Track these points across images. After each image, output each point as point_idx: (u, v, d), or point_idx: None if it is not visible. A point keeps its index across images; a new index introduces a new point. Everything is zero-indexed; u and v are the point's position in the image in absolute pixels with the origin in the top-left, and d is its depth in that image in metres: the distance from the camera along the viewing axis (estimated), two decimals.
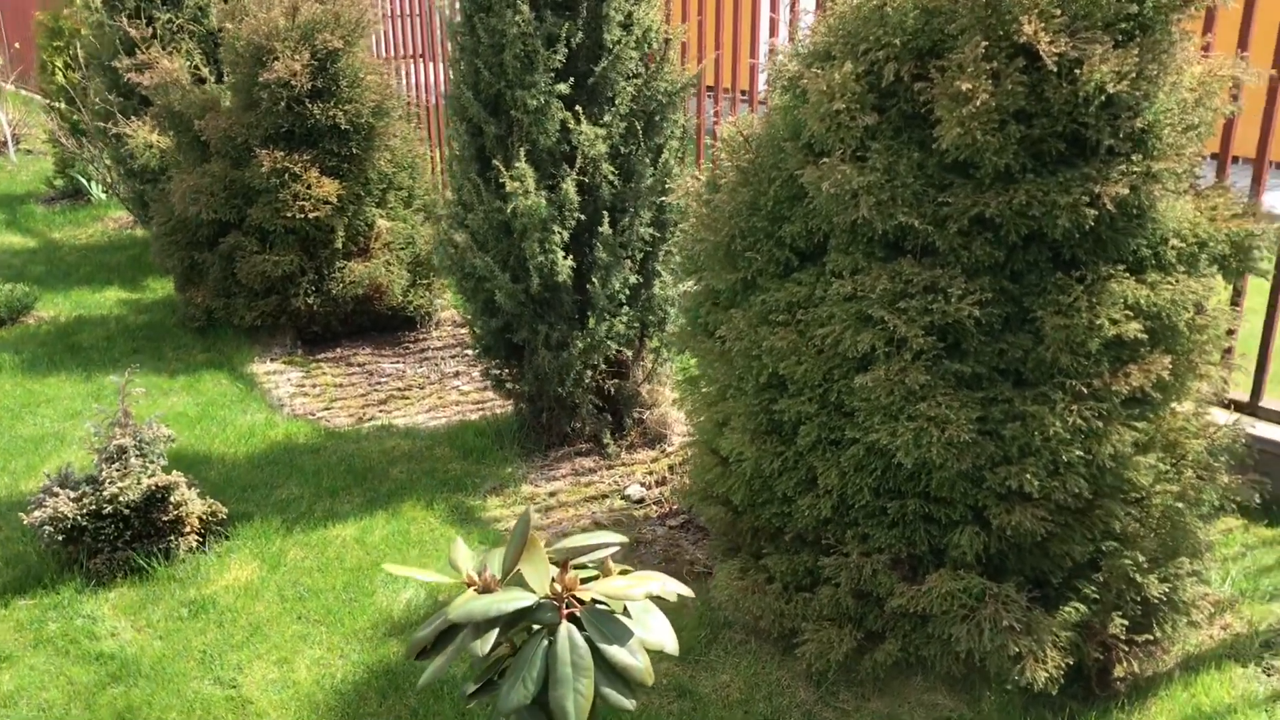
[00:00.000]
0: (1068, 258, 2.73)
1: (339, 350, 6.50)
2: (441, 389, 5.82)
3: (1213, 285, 2.82)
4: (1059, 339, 2.66)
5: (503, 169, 4.16)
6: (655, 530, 4.11)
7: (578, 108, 4.24)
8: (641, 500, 4.38)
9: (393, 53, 8.60)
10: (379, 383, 5.99)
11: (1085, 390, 2.67)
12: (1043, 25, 2.53)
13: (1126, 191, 2.56)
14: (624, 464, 4.72)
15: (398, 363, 6.31)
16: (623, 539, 2.23)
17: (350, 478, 4.64)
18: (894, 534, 2.91)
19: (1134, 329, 2.62)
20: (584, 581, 2.05)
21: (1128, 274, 2.70)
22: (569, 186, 4.21)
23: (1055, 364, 2.70)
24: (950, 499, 2.82)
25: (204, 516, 4.07)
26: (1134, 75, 2.51)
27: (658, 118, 4.55)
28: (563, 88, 4.19)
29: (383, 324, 6.74)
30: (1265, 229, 2.74)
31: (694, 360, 3.51)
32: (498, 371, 4.81)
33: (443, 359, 6.28)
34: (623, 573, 2.13)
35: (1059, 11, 2.51)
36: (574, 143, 4.30)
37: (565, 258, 4.30)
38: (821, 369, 2.88)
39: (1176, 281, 2.71)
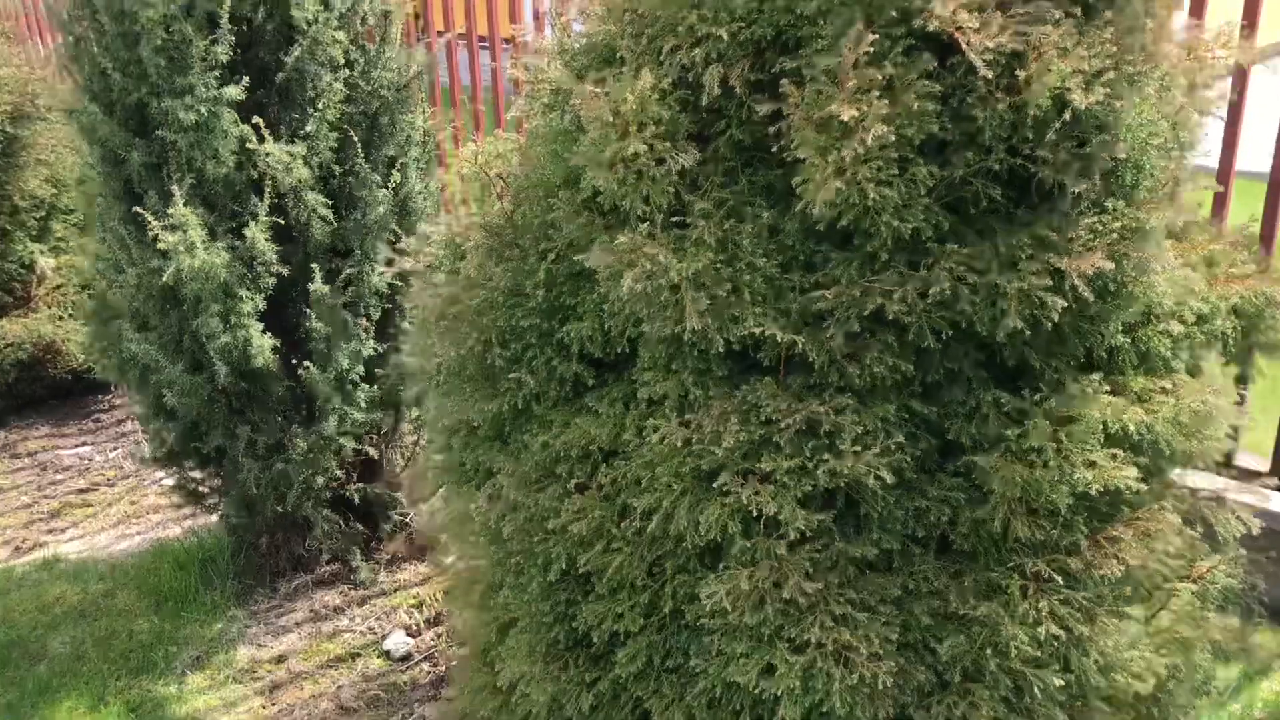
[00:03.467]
0: (1011, 363, 1.80)
1: (3, 433, 5.11)
2: (137, 486, 4.55)
3: (1214, 375, 1.96)
4: (1011, 496, 1.74)
5: (150, 216, 2.95)
6: (426, 713, 3.05)
7: (257, 120, 3.06)
8: (408, 657, 3.31)
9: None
10: (54, 481, 4.67)
11: (1056, 574, 1.76)
12: (961, 0, 1.57)
13: (1109, 264, 1.64)
14: (384, 592, 3.63)
15: (83, 445, 4.99)
16: None
17: None
18: None
19: (1127, 477, 1.72)
20: None
21: (1103, 382, 1.79)
22: (256, 232, 3.04)
23: (1008, 533, 1.78)
24: None
25: None
26: (1111, 75, 1.58)
27: (385, 120, 3.43)
28: (234, 91, 3.01)
29: (65, 390, 5.37)
30: None
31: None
32: (192, 483, 3.62)
33: (144, 436, 4.97)
34: None
35: None
36: (263, 168, 3.12)
37: (264, 333, 3.14)
38: (644, 561, 1.88)
39: (1174, 386, 1.83)
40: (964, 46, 1.56)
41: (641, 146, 1.69)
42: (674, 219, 1.79)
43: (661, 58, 1.76)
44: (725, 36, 1.71)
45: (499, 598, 2.12)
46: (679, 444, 1.80)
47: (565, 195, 1.96)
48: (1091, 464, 1.73)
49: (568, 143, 1.91)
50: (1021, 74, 1.59)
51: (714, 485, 1.79)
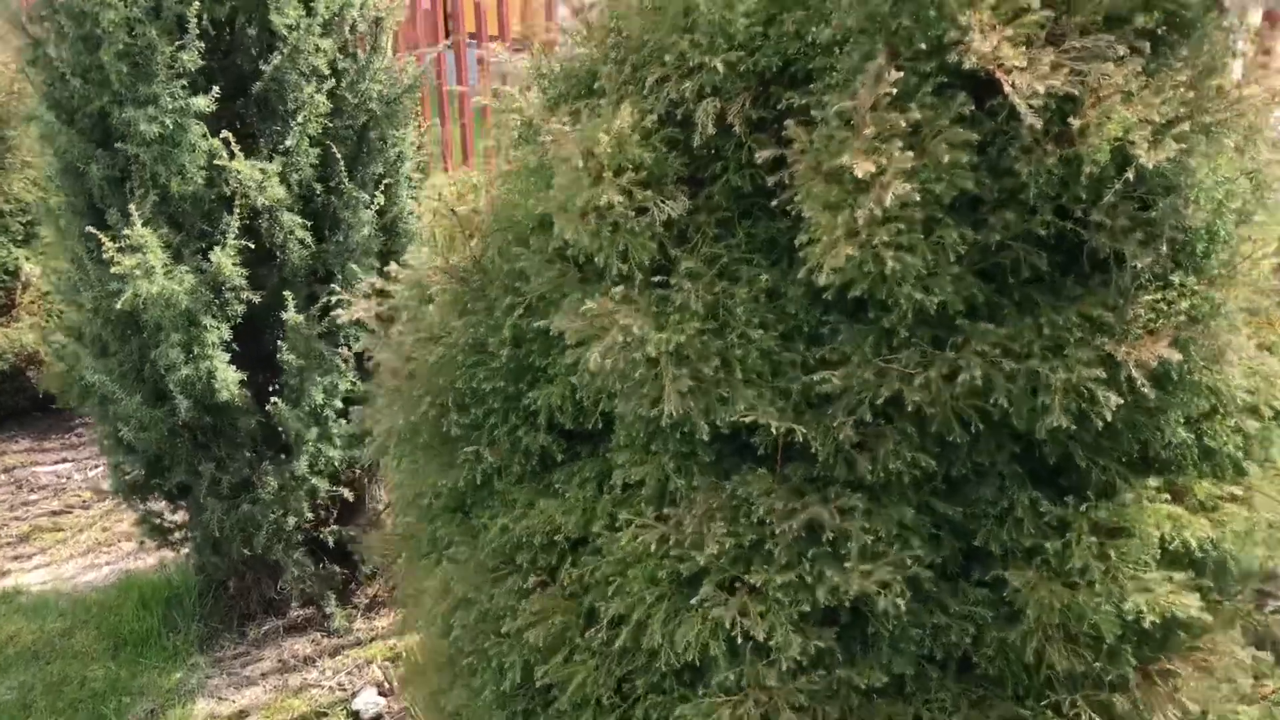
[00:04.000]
0: (1053, 461, 1.52)
1: None
2: (113, 510, 4.33)
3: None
4: (1048, 622, 1.47)
5: (104, 237, 2.71)
6: None
7: (225, 134, 2.82)
8: (378, 719, 3.06)
9: None
10: (27, 502, 4.46)
11: (1098, 715, 1.49)
12: (1005, 33, 1.30)
13: (1175, 355, 1.37)
14: (359, 641, 3.39)
15: (63, 461, 4.78)
16: None
17: None
18: None
19: (1187, 605, 1.44)
20: None
21: (1161, 488, 1.52)
22: (221, 257, 2.80)
23: (1042, 661, 1.50)
24: None
25: None
26: (1185, 127, 1.31)
27: (374, 135, 3.19)
28: (202, 101, 2.77)
29: (49, 401, 5.15)
30: None
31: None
32: (157, 518, 3.39)
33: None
34: None
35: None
36: (235, 186, 2.89)
37: (230, 364, 2.90)
38: (613, 675, 1.62)
39: (1246, 493, 1.55)
40: (1007, 88, 1.29)
41: (617, 196, 1.43)
42: (657, 277, 1.53)
43: (645, 88, 1.49)
44: (721, 68, 1.45)
45: (450, 699, 1.86)
46: (654, 544, 1.53)
47: (537, 241, 1.71)
48: (1145, 587, 1.46)
49: (540, 182, 1.65)
50: (1075, 122, 1.32)
51: (694, 596, 1.52)
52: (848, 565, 1.42)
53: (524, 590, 1.67)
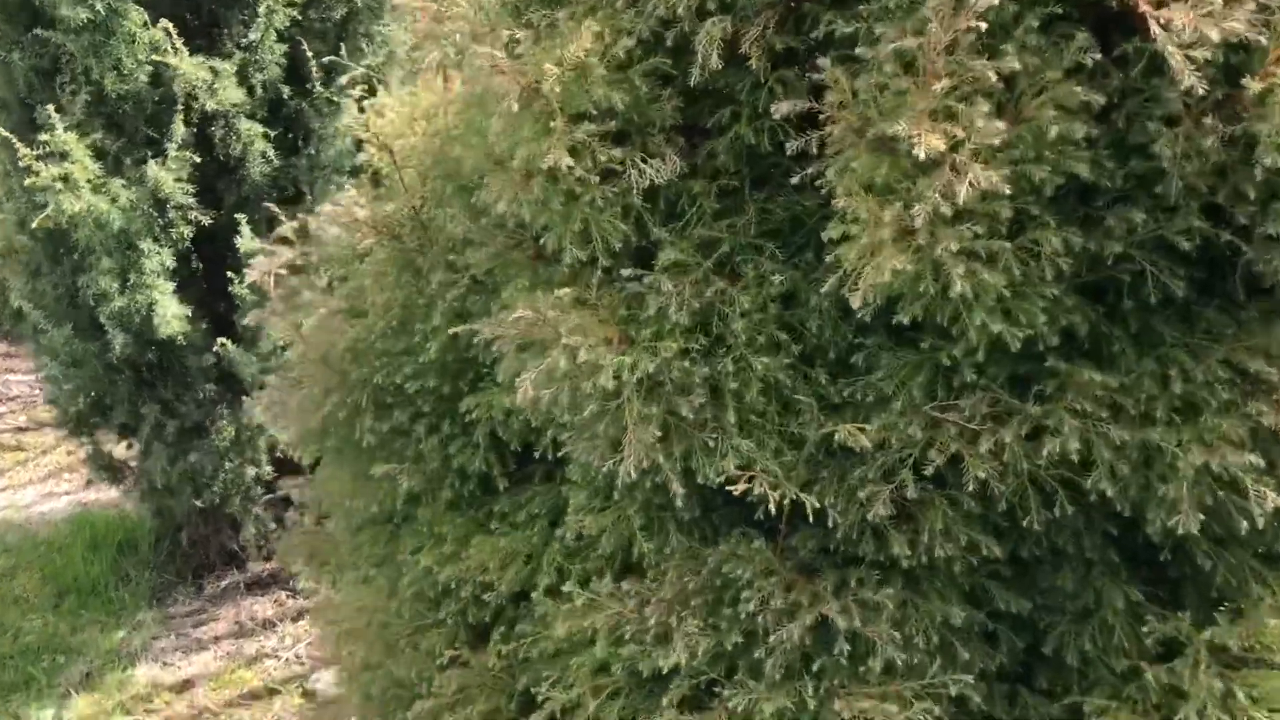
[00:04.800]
0: (1162, 555, 1.11)
1: None
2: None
3: None
4: None
5: (18, 143, 2.32)
6: None
7: (167, 23, 2.41)
8: (336, 701, 2.73)
9: None
10: None
11: None
12: None
13: None
14: None
15: (40, 370, 4.44)
16: None
17: None
18: None
19: None
20: None
21: None
22: (160, 172, 2.40)
23: None
24: None
25: None
26: None
27: (358, 30, 2.75)
28: None
29: None
30: None
31: None
32: (105, 457, 3.06)
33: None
34: None
35: None
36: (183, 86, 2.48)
37: (175, 295, 2.53)
38: None
39: None
40: (1155, 29, 0.85)
41: (566, 159, 1.00)
42: (628, 270, 1.11)
43: (624, 1, 1.06)
44: None
45: None
46: (606, 629, 1.14)
47: (482, 198, 1.29)
48: None
49: (483, 119, 1.23)
50: (1253, 85, 0.89)
51: (657, 697, 1.14)
52: (865, 704, 1.02)
53: (442, 663, 1.29)
